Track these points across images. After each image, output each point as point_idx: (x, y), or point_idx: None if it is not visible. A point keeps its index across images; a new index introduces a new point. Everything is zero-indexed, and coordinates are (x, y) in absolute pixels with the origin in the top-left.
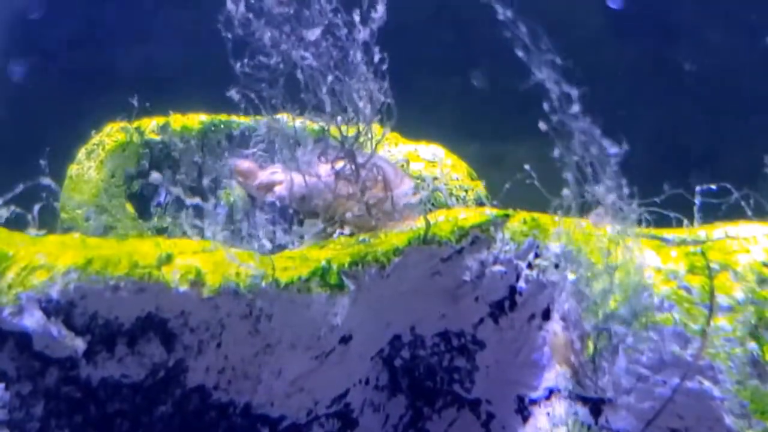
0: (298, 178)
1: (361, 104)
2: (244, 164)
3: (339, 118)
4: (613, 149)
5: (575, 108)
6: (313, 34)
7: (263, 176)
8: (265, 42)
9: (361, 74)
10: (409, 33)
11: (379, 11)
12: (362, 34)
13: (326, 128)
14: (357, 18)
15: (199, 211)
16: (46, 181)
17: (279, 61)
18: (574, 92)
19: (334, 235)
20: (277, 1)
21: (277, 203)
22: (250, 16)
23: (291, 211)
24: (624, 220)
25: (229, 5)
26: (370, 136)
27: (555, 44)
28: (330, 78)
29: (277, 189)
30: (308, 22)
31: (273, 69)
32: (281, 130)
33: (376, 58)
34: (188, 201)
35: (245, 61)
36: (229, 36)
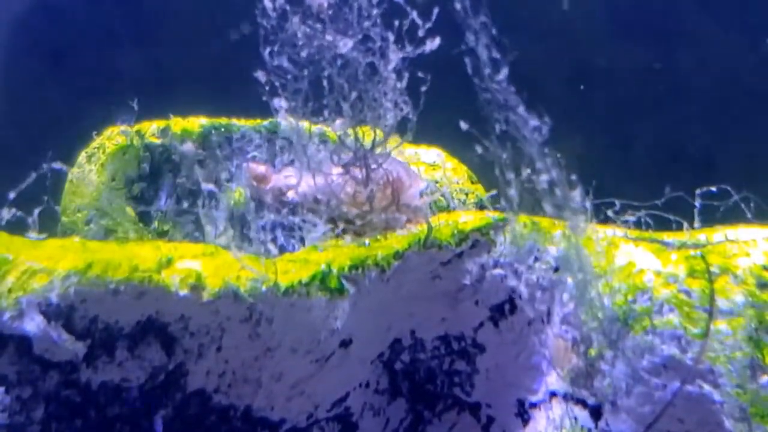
0: (308, 181)
1: (383, 114)
2: (259, 168)
3: (356, 123)
4: (534, 122)
5: (501, 76)
6: (345, 45)
7: (277, 180)
8: (298, 36)
9: (389, 85)
10: (409, 33)
11: (435, 42)
12: (398, 54)
13: (343, 132)
14: (392, 37)
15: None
16: (58, 165)
17: (308, 58)
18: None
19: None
20: (315, 3)
21: (289, 207)
22: (288, 8)
23: (301, 215)
24: (566, 206)
25: (266, 2)
26: (386, 142)
27: (554, 45)
28: (357, 85)
29: (290, 193)
30: (344, 27)
31: (301, 65)
32: (293, 131)
33: (407, 78)
34: (205, 187)
35: (275, 49)
36: (264, 23)
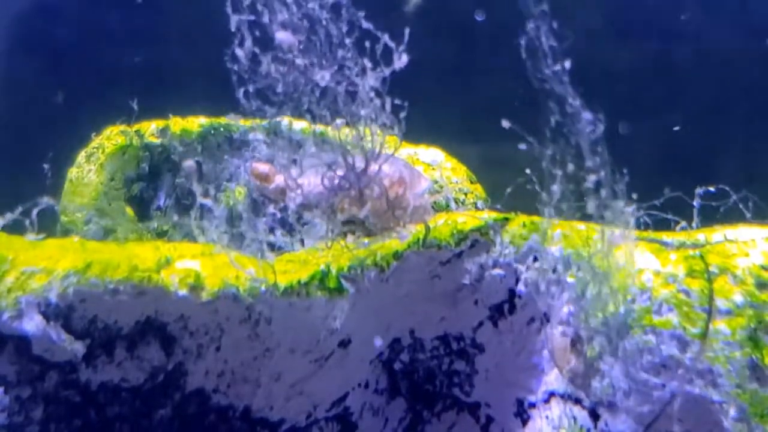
0: (310, 182)
1: (369, 133)
2: (262, 167)
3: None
4: (588, 116)
5: (559, 68)
6: (323, 78)
7: (280, 180)
8: (273, 75)
9: (371, 107)
10: (410, 34)
11: (403, 60)
12: (375, 75)
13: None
14: (369, 63)
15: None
16: (46, 200)
17: (286, 91)
18: (567, 64)
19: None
20: (285, 42)
21: (291, 207)
22: (257, 50)
23: (303, 214)
24: (613, 209)
25: (237, 51)
26: (376, 152)
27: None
28: (339, 112)
29: (293, 193)
30: (319, 58)
31: (280, 100)
32: (283, 136)
33: (389, 103)
34: (201, 201)
35: (250, 90)
36: (235, 68)
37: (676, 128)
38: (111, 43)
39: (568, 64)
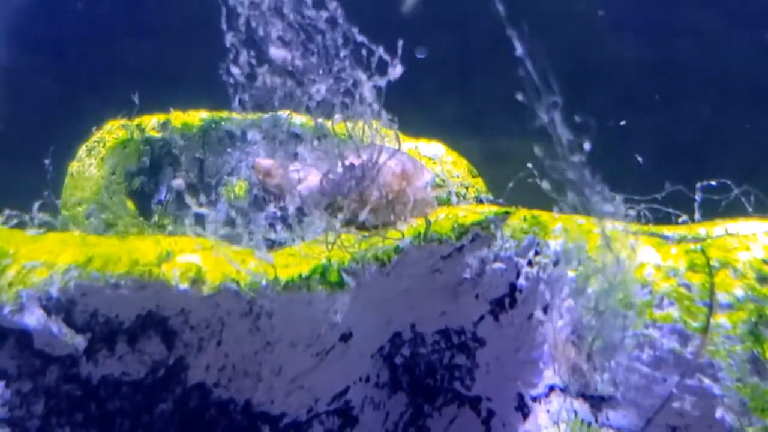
0: (313, 178)
1: (368, 135)
2: (265, 162)
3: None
4: (610, 208)
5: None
6: (319, 92)
7: (282, 175)
8: (268, 87)
9: (369, 109)
10: (410, 29)
11: (398, 70)
12: (371, 83)
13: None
14: (364, 74)
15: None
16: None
17: (282, 104)
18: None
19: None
20: (279, 57)
21: (290, 209)
22: (254, 61)
23: (304, 210)
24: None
25: (233, 69)
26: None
27: (554, 43)
28: (337, 113)
29: (295, 189)
30: (315, 70)
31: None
32: (282, 131)
33: (386, 118)
34: (196, 210)
35: (246, 97)
36: (231, 81)
37: (623, 123)
38: (112, 38)
39: (587, 146)
